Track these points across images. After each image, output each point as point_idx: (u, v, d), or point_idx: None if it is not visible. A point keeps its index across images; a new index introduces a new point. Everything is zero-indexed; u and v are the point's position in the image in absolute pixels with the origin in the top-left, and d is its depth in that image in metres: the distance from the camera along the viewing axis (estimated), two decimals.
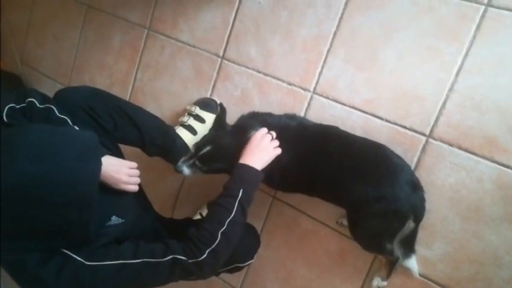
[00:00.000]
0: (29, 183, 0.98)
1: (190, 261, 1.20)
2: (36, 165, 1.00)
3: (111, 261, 1.14)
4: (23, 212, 0.99)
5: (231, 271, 1.58)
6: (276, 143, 1.50)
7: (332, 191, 1.53)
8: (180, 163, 1.53)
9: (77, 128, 1.41)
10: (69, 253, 1.10)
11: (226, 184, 1.38)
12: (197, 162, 1.51)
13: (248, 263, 1.61)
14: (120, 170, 1.32)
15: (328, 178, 1.50)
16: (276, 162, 1.49)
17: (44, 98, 1.41)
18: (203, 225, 1.28)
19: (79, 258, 1.10)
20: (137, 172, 1.39)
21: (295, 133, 1.58)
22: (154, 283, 1.26)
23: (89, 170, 1.11)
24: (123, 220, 1.28)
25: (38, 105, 1.37)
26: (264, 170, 1.45)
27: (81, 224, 1.07)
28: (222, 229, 1.26)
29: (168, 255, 1.19)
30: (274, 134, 1.53)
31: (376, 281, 1.64)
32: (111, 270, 1.13)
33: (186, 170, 1.52)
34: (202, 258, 1.21)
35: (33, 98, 1.37)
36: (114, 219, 1.26)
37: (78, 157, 1.09)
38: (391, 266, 1.59)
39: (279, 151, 1.49)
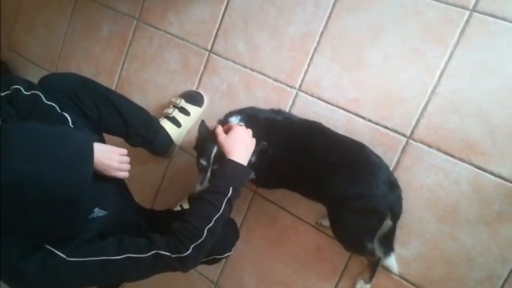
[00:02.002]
0: (19, 182, 0.94)
1: (173, 256, 1.16)
2: (28, 165, 0.96)
3: (94, 257, 1.10)
4: (10, 209, 0.95)
5: (208, 263, 1.54)
6: (251, 132, 1.45)
7: (313, 186, 1.49)
8: (198, 186, 1.43)
9: (69, 118, 1.36)
10: (52, 249, 1.05)
11: (216, 179, 1.32)
12: (216, 167, 1.40)
13: (226, 255, 1.57)
14: (111, 157, 1.28)
15: (310, 173, 1.47)
16: (262, 155, 1.46)
17: (29, 85, 1.35)
18: (189, 219, 1.22)
19: (61, 255, 1.05)
20: (128, 159, 1.35)
21: (281, 127, 1.55)
22: (137, 277, 1.23)
23: (80, 173, 1.06)
24: (106, 212, 1.23)
25: (23, 92, 1.31)
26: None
27: (68, 223, 1.04)
28: (209, 226, 1.21)
29: (151, 251, 1.15)
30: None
31: (360, 284, 1.60)
32: (94, 266, 1.09)
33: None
34: (186, 253, 1.17)
35: (18, 84, 1.31)
36: (97, 211, 1.20)
37: (70, 159, 1.05)
38: (374, 268, 1.55)
39: (254, 141, 1.44)
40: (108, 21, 2.27)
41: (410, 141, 1.55)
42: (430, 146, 1.51)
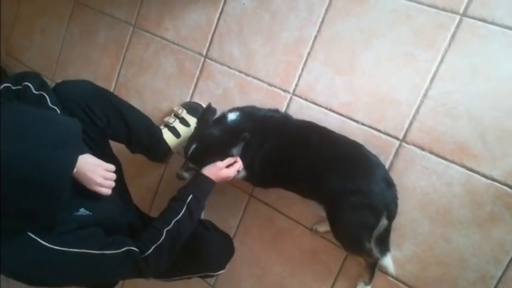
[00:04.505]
0: (3, 162, 0.93)
1: (140, 255, 1.21)
2: (13, 145, 0.96)
3: (73, 248, 1.09)
4: None
5: (201, 277, 1.58)
6: (236, 167, 1.49)
7: (311, 183, 1.48)
8: (179, 170, 1.53)
9: None
10: (33, 236, 1.04)
11: (181, 188, 1.39)
12: (190, 164, 1.49)
13: (219, 273, 1.58)
14: (96, 171, 1.24)
15: (308, 169, 1.46)
16: (259, 149, 1.47)
17: (41, 84, 1.35)
18: (153, 223, 1.30)
19: (42, 241, 1.04)
20: (113, 176, 1.31)
21: (279, 123, 1.55)
22: (109, 274, 1.26)
23: (63, 160, 1.06)
24: (90, 213, 1.22)
25: (32, 90, 1.32)
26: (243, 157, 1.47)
27: (49, 210, 1.03)
28: (168, 228, 1.27)
29: (123, 247, 1.19)
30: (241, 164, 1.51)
31: (360, 286, 1.57)
32: (72, 257, 1.09)
33: (186, 175, 1.52)
34: (147, 253, 1.22)
35: (29, 82, 1.32)
36: (82, 211, 1.19)
37: (55, 144, 1.05)
38: (372, 269, 1.52)
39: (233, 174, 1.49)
40: (105, 28, 2.26)
41: (403, 144, 1.53)
42: (422, 149, 1.50)
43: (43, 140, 1.02)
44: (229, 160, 1.47)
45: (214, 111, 1.59)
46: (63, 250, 1.07)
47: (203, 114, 1.59)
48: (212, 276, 1.56)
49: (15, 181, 0.96)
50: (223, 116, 1.54)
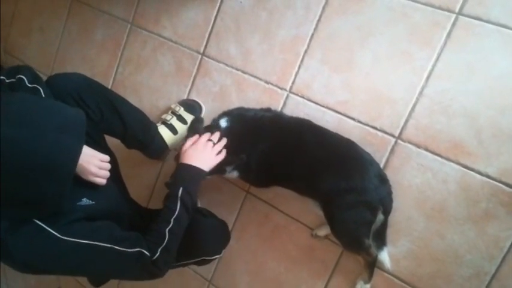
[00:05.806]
0: (7, 147, 0.91)
1: (149, 260, 1.18)
2: (16, 130, 0.94)
3: (83, 239, 1.07)
4: None
5: (198, 263, 1.52)
6: (218, 148, 1.45)
7: (306, 182, 1.46)
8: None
9: None
10: (42, 224, 1.02)
11: (170, 184, 1.35)
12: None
13: (216, 257, 1.55)
14: (91, 161, 1.23)
15: (302, 169, 1.44)
16: (253, 149, 1.45)
17: (34, 78, 1.33)
18: (153, 226, 1.26)
19: (52, 231, 1.03)
20: (107, 166, 1.30)
21: (271, 122, 1.52)
22: (115, 272, 1.24)
23: (70, 144, 1.04)
24: (93, 202, 1.21)
25: (26, 83, 1.30)
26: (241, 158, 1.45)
27: (55, 196, 1.01)
28: (169, 227, 1.25)
29: (136, 247, 1.16)
30: (216, 137, 1.47)
31: (360, 285, 1.56)
32: (81, 248, 1.07)
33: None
34: (156, 257, 1.19)
35: (23, 75, 1.30)
36: (85, 201, 1.19)
37: (61, 129, 1.02)
38: (372, 267, 1.51)
39: (222, 156, 1.45)
40: (103, 25, 2.22)
41: (399, 141, 1.51)
42: (418, 146, 1.48)
43: (48, 125, 1.00)
44: (206, 136, 1.45)
45: (201, 120, 1.57)
46: (71, 241, 1.05)
47: (192, 124, 1.57)
48: (209, 261, 1.52)
49: (20, 167, 0.94)
50: (216, 124, 1.53)
